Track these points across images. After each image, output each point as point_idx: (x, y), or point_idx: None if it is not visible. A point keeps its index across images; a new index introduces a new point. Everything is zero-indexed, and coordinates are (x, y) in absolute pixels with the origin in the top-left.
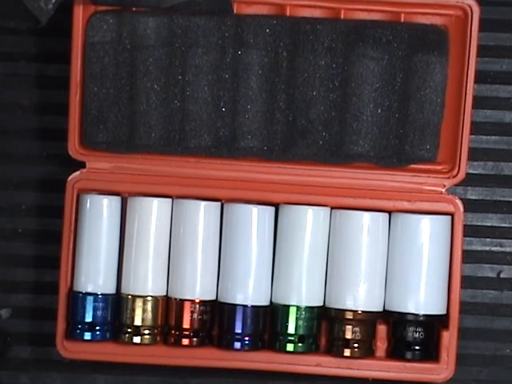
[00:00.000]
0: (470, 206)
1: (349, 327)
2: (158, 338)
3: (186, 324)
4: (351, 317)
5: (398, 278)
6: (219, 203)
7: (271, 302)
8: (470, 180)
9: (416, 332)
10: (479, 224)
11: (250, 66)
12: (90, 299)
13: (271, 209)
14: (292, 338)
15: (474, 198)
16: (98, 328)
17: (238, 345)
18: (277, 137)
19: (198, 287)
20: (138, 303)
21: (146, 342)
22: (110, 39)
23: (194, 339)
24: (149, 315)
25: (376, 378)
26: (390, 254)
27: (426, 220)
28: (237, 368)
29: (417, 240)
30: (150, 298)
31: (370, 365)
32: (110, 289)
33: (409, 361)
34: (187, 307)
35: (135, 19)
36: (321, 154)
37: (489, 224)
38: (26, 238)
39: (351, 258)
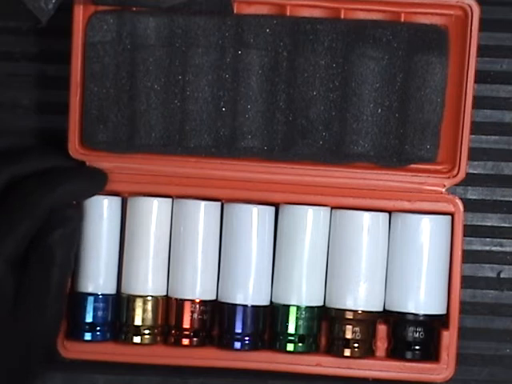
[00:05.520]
0: (470, 205)
1: (349, 327)
2: (158, 338)
3: (186, 324)
4: (351, 317)
5: (398, 278)
6: (219, 203)
7: (271, 301)
8: (470, 180)
9: (416, 332)
10: (479, 224)
11: (250, 66)
12: (90, 299)
13: (271, 209)
14: (292, 338)
15: (474, 197)
16: (98, 328)
17: (238, 345)
18: (277, 137)
19: (198, 287)
20: (138, 303)
21: (146, 341)
22: (110, 39)
23: (194, 339)
24: (149, 315)
25: (376, 377)
26: (390, 253)
27: (426, 220)
28: (237, 368)
29: (417, 240)
30: (150, 298)
31: (370, 365)
32: (111, 289)
33: (409, 361)
34: (187, 307)
35: (135, 19)
36: (321, 154)
37: (489, 224)
38: None
39: (351, 257)
